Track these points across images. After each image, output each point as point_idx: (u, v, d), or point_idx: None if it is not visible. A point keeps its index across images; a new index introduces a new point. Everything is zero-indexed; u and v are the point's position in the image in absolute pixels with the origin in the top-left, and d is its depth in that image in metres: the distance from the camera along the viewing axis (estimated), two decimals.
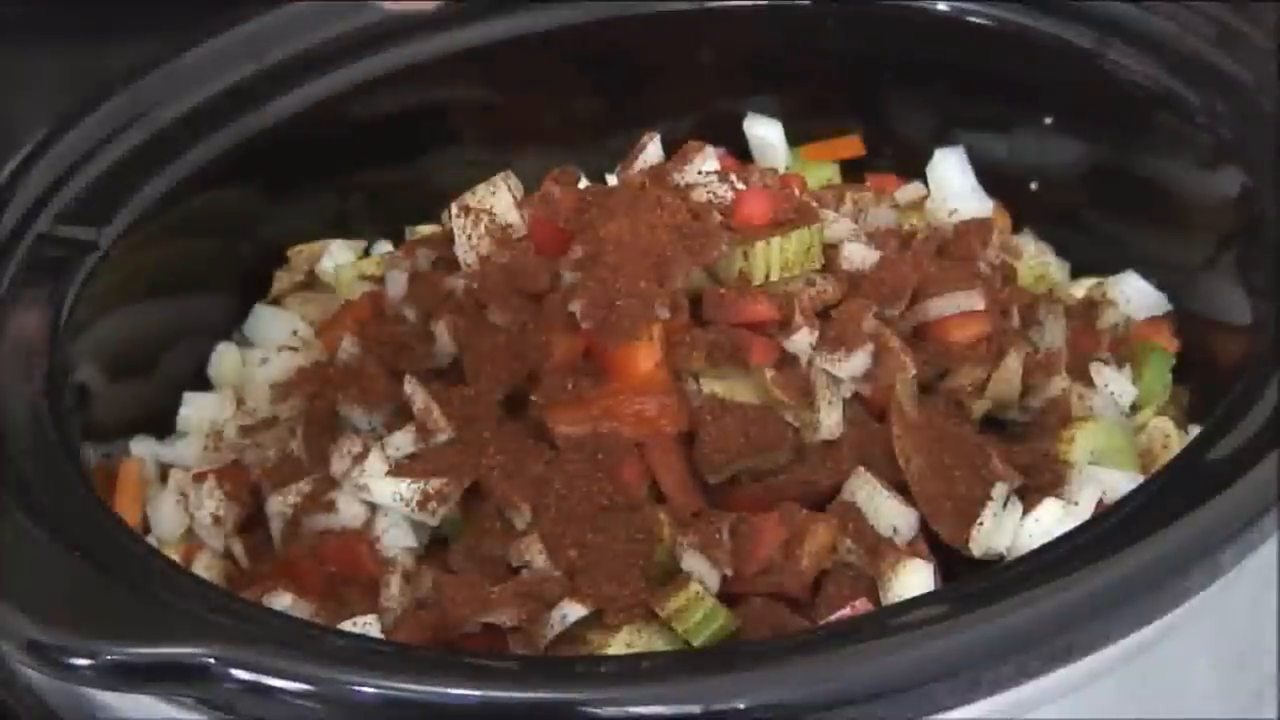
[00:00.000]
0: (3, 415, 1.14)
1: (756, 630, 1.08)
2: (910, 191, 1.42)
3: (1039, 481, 1.16)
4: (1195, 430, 1.20)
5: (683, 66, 1.47)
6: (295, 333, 1.36)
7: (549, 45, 1.45)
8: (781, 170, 1.38)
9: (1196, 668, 1.05)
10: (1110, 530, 1.00)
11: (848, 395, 1.15)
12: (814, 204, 1.23)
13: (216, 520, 1.21)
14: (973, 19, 1.41)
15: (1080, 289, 1.37)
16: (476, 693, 0.94)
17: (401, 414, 1.19)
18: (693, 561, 1.10)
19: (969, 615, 0.95)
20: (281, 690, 0.94)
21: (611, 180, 1.36)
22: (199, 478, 1.23)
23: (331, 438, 1.20)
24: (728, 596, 1.10)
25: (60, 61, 1.46)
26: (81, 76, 1.41)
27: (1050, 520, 1.12)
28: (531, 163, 1.34)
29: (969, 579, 1.01)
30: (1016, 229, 1.42)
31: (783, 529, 1.11)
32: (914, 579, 1.09)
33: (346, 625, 1.11)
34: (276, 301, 1.40)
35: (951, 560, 1.12)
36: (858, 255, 1.22)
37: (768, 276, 1.17)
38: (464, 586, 1.11)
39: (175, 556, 1.20)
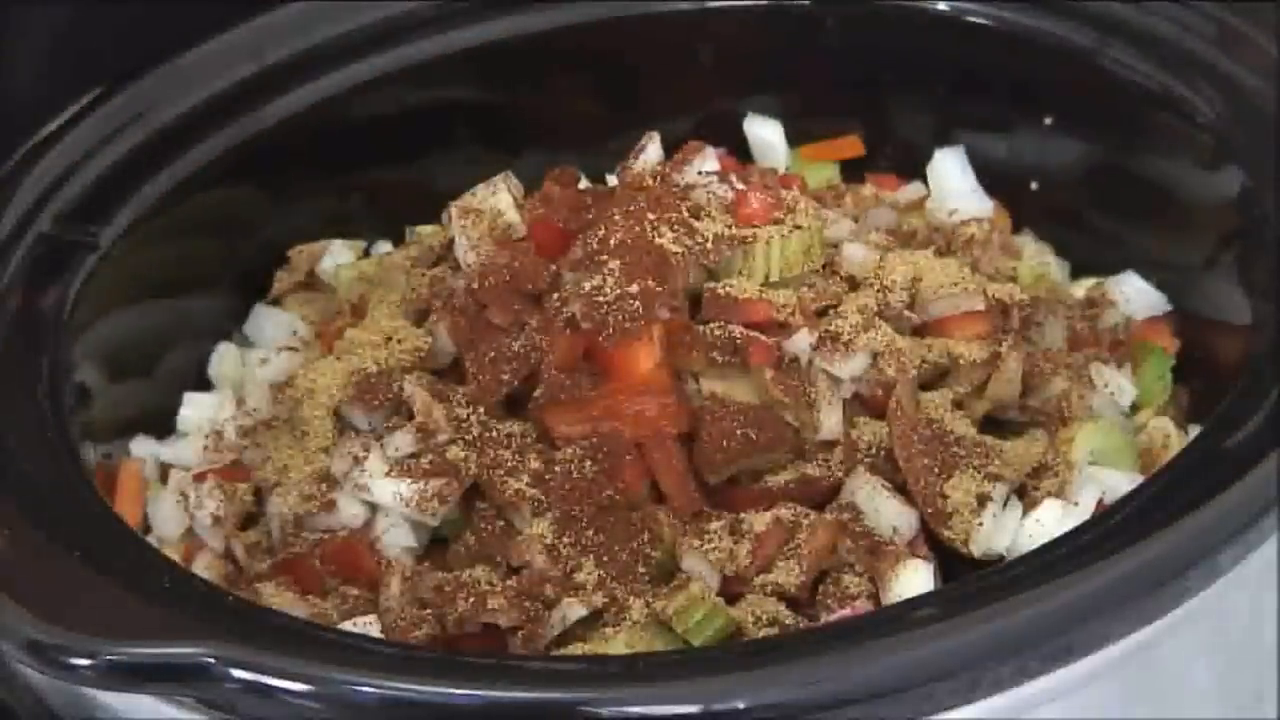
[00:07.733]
0: (3, 415, 1.14)
1: (756, 630, 1.08)
2: (910, 191, 1.42)
3: (1039, 481, 1.16)
4: (1195, 430, 1.20)
5: (683, 66, 1.47)
6: (295, 333, 1.35)
7: (549, 45, 1.45)
8: (781, 170, 1.38)
9: (1196, 668, 1.05)
10: (1110, 530, 1.00)
11: (848, 395, 1.15)
12: (814, 204, 1.23)
13: (216, 520, 1.21)
14: (972, 19, 1.40)
15: (1080, 289, 1.36)
16: (477, 693, 0.94)
17: (401, 414, 1.19)
18: (693, 561, 1.10)
19: (969, 615, 0.95)
20: (281, 690, 0.94)
21: (611, 180, 1.36)
22: (199, 478, 1.23)
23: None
24: (728, 596, 1.10)
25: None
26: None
27: (1050, 520, 1.12)
28: (531, 163, 1.35)
29: (969, 579, 1.01)
30: (1016, 229, 1.42)
31: (782, 529, 1.11)
32: (914, 579, 1.09)
33: (346, 625, 1.11)
34: (277, 301, 1.39)
35: (951, 560, 1.12)
36: (857, 255, 1.22)
37: (768, 276, 1.17)
38: (464, 586, 1.11)
39: (175, 556, 1.20)
